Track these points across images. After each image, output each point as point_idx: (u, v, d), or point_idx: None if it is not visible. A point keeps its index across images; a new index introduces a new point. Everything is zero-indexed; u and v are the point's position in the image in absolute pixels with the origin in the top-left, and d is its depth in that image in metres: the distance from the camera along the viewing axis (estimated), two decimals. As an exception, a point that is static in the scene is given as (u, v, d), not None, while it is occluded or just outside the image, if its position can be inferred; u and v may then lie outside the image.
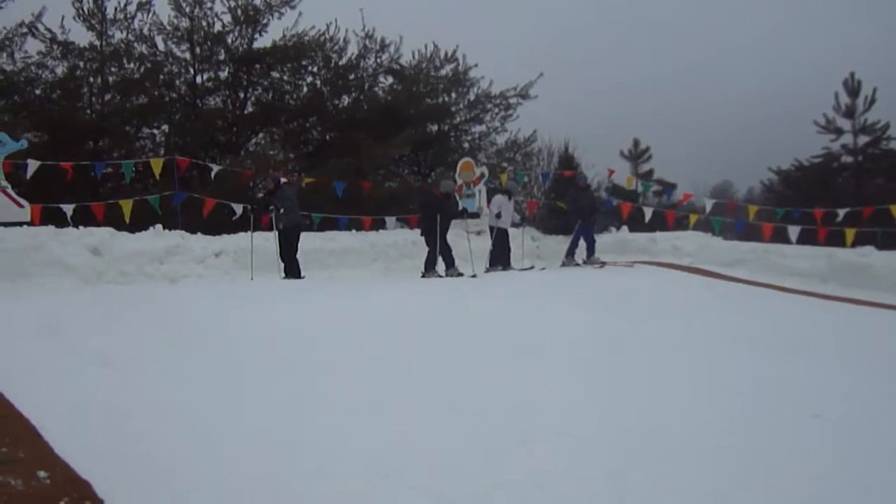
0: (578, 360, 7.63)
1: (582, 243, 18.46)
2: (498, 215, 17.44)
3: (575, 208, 18.70)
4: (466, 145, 28.87)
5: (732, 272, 16.70)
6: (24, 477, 4.57)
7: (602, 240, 19.37)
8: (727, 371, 7.38)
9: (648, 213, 21.83)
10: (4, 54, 24.18)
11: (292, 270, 15.31)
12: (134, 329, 8.86)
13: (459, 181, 22.12)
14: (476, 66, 28.11)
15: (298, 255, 15.61)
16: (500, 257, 17.46)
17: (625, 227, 22.22)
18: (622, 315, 10.59)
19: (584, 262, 18.20)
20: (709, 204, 23.12)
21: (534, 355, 7.80)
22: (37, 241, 14.35)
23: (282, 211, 15.30)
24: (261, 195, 17.34)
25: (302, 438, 5.26)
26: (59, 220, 16.46)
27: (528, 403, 6.03)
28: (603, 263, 17.96)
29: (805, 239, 19.21)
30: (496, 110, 28.68)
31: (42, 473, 4.62)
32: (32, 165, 17.63)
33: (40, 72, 24.79)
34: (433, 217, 16.27)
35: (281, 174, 16.59)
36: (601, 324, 9.88)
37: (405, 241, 18.94)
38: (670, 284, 15.00)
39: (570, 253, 18.62)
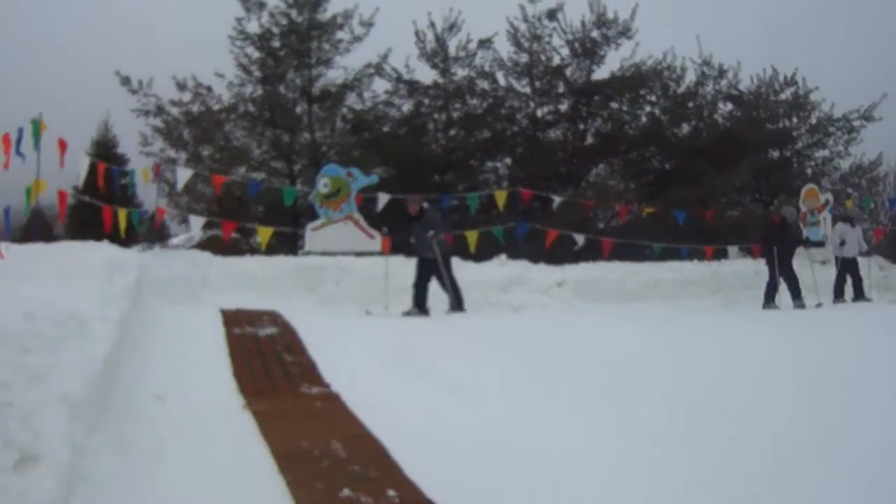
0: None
1: None
2: (842, 243, 16.44)
3: None
4: (809, 171, 27.53)
5: None
6: (375, 495, 4.67)
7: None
8: None
9: None
10: (354, 94, 25.63)
11: (459, 300, 14.10)
12: (478, 355, 8.97)
13: (803, 208, 21.08)
14: (817, 88, 26.85)
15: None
16: (854, 288, 16.41)
17: None
18: None
19: None
20: None
21: None
22: (387, 269, 14.97)
23: (441, 237, 14.15)
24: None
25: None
26: (409, 250, 17.13)
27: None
28: None
29: None
30: (839, 134, 27.22)
31: (392, 493, 4.70)
32: (382, 199, 18.45)
33: (387, 110, 26.04)
34: (771, 244, 15.60)
35: (423, 198, 15.43)
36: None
37: (747, 271, 18.16)
38: None
39: None
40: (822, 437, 5.67)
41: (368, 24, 24.82)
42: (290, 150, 24.60)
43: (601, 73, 26.38)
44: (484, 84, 26.22)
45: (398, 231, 15.12)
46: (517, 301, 15.41)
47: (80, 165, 15.83)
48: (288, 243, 22.02)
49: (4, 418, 4.20)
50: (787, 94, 27.32)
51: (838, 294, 16.32)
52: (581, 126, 27.23)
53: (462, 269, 15.33)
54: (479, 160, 26.76)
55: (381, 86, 25.85)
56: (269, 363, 8.51)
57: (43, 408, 4.55)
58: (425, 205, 14.87)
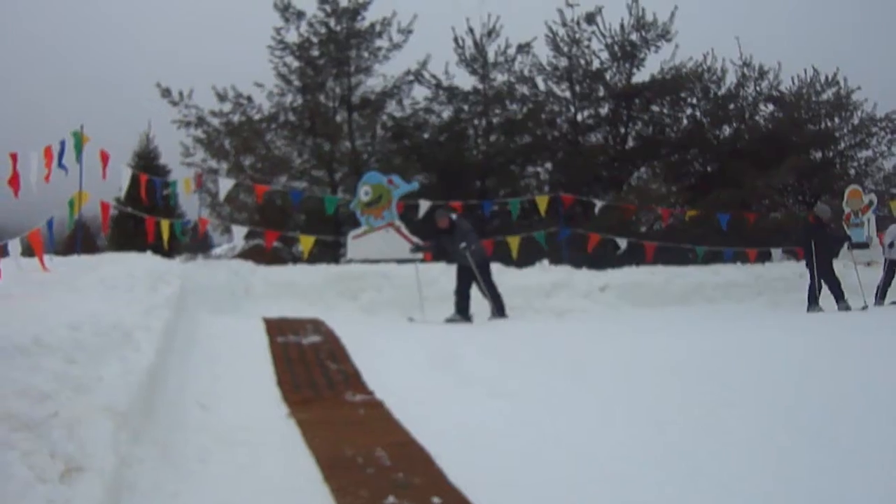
0: None
1: None
2: (891, 245, 16.14)
3: None
4: (852, 172, 27.31)
5: None
6: (419, 503, 4.63)
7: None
8: None
9: None
10: (394, 101, 25.78)
11: (500, 306, 13.95)
12: (522, 361, 8.92)
13: (847, 210, 20.78)
14: (859, 88, 26.67)
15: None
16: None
17: None
18: None
19: None
20: None
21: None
22: (427, 276, 14.96)
23: (473, 248, 13.96)
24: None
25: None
26: (450, 257, 17.14)
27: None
28: None
29: None
30: (882, 134, 26.96)
31: (436, 500, 4.67)
32: (423, 206, 18.44)
33: (427, 116, 26.18)
34: (808, 245, 15.32)
35: (450, 210, 15.21)
36: None
37: (792, 274, 17.93)
38: None
39: None
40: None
41: (407, 32, 25.01)
42: (330, 159, 24.75)
43: (641, 76, 26.50)
44: (523, 89, 26.34)
45: (430, 241, 15.00)
46: (560, 306, 15.33)
47: (122, 177, 15.95)
48: (330, 252, 22.10)
49: (50, 429, 4.22)
50: (828, 95, 27.15)
51: (880, 296, 16.05)
52: (622, 129, 27.25)
53: (505, 275, 15.31)
54: (520, 165, 26.79)
55: (420, 93, 26.08)
56: (312, 371, 8.51)
57: (88, 418, 4.56)
58: (453, 216, 14.77)
